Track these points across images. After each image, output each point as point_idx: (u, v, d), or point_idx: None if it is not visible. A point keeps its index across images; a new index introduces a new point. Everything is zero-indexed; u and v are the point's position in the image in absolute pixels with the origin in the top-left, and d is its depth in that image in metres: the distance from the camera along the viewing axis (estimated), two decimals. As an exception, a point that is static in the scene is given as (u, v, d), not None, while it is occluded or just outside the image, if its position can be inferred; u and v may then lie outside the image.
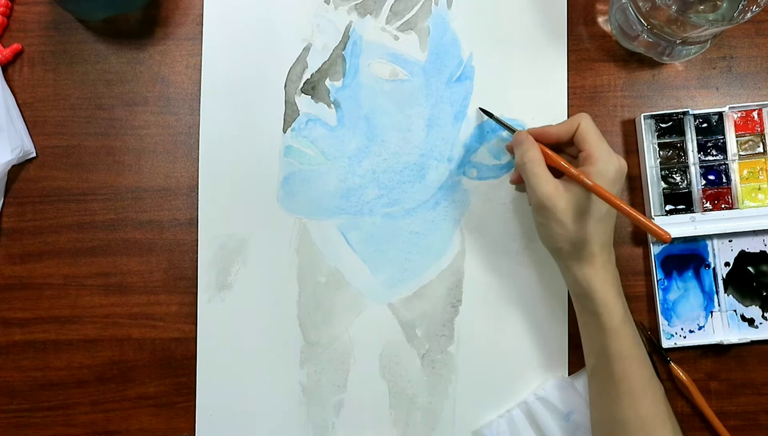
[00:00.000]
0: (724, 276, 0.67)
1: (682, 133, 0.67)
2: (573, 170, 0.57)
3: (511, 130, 0.64)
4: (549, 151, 0.59)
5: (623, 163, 0.58)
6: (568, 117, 0.68)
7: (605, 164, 0.57)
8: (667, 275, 0.67)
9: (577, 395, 0.65)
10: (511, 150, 0.65)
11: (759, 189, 0.66)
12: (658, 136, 0.67)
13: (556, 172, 0.59)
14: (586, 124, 0.59)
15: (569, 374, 0.67)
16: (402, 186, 0.68)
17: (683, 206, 0.66)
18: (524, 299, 0.67)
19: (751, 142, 0.67)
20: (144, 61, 0.69)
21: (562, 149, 0.62)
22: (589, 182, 0.55)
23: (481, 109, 0.67)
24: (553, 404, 0.65)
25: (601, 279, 0.57)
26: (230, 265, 0.67)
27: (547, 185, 0.57)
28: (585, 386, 0.64)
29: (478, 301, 0.67)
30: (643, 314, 0.67)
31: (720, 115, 0.66)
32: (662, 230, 0.53)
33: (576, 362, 0.67)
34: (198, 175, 0.68)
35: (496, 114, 0.66)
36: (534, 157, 0.58)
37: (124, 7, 0.67)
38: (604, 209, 0.57)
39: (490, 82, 0.68)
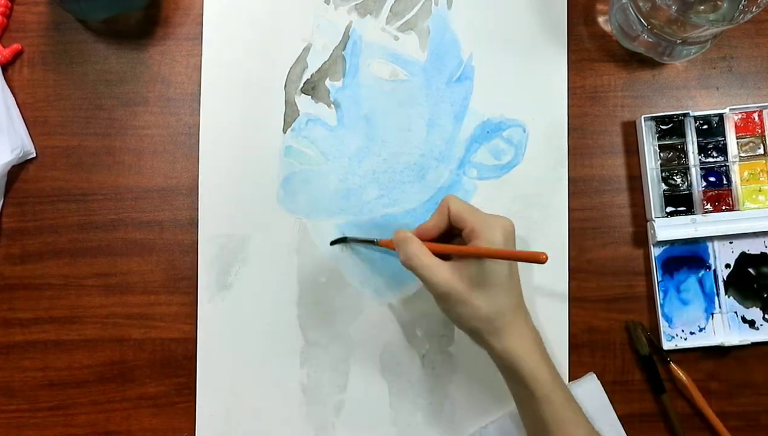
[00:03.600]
0: (725, 278, 0.67)
1: (683, 135, 0.66)
2: (458, 247, 0.56)
3: (371, 242, 0.65)
4: (431, 243, 0.58)
5: (507, 222, 0.56)
6: (568, 117, 0.68)
7: (489, 232, 0.55)
8: (668, 276, 0.67)
9: None
10: (389, 246, 0.62)
11: (759, 191, 0.66)
12: (659, 138, 0.67)
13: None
14: (454, 204, 0.57)
15: (569, 375, 0.66)
16: (402, 186, 0.68)
17: (684, 208, 0.66)
18: (524, 299, 0.67)
19: (751, 144, 0.66)
20: (144, 61, 0.69)
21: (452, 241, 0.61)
22: (478, 248, 0.54)
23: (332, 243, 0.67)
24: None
25: (523, 349, 0.56)
26: (230, 265, 0.67)
27: (440, 271, 0.56)
28: (586, 394, 0.64)
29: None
30: (644, 315, 0.67)
31: (720, 116, 0.66)
32: (535, 253, 0.51)
33: (576, 362, 0.67)
34: (198, 175, 0.68)
35: (496, 115, 0.65)
36: (416, 251, 0.57)
37: (124, 7, 0.67)
38: (504, 273, 0.55)
39: (490, 82, 0.68)
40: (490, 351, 0.57)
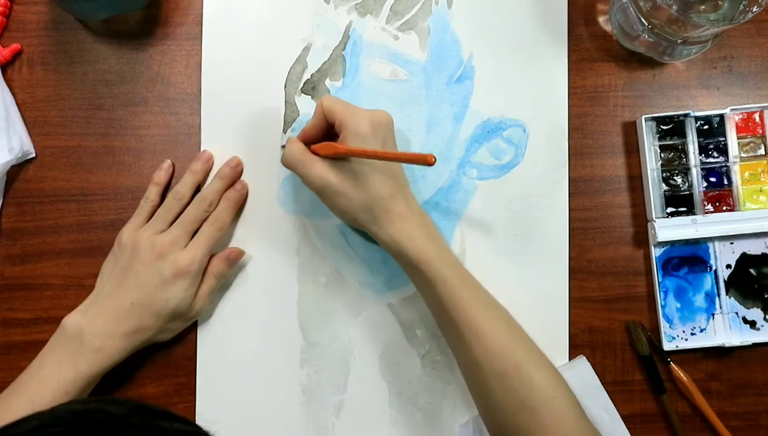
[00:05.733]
0: (726, 278, 0.66)
1: (683, 135, 0.66)
2: (320, 145, 0.59)
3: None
4: (315, 145, 0.60)
5: (379, 113, 0.59)
6: (568, 117, 0.68)
7: (355, 123, 0.57)
8: (669, 277, 0.67)
9: None
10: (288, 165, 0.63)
11: (760, 191, 0.66)
12: (659, 138, 0.67)
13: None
14: (326, 101, 0.59)
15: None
16: (402, 186, 0.68)
17: (684, 208, 0.66)
18: (524, 299, 0.67)
19: (752, 144, 0.66)
20: (144, 61, 0.69)
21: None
22: (354, 148, 0.57)
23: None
24: None
25: (407, 233, 0.58)
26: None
27: (314, 166, 0.59)
28: (577, 378, 0.64)
29: (478, 301, 0.67)
30: (644, 316, 0.67)
31: (721, 117, 0.66)
32: (421, 155, 0.54)
33: (576, 363, 0.67)
34: (198, 176, 0.68)
35: (496, 115, 0.66)
36: (293, 150, 0.60)
37: (124, 7, 0.67)
38: (375, 162, 0.58)
39: (490, 82, 0.68)
40: (379, 240, 0.60)
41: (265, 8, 0.69)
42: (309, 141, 0.61)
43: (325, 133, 0.61)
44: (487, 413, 0.60)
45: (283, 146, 0.64)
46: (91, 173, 0.68)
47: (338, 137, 0.60)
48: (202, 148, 0.68)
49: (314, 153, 0.60)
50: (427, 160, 0.52)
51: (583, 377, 0.65)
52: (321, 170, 0.59)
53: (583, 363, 0.66)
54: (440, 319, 0.60)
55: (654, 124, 0.67)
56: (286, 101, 0.68)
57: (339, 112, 0.59)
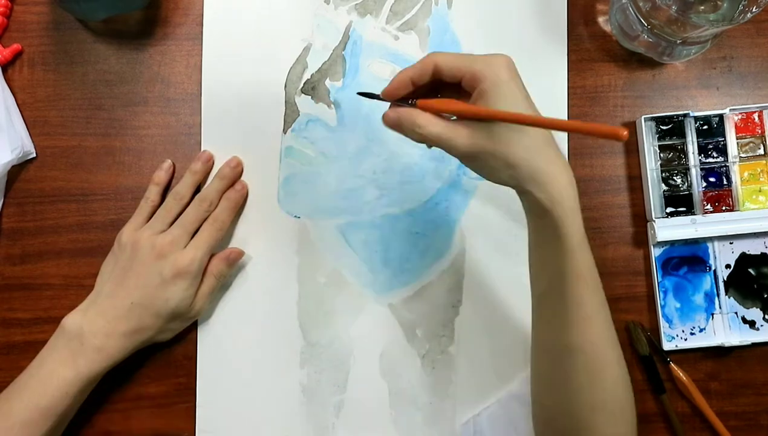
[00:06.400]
0: (725, 278, 0.67)
1: (683, 136, 0.66)
2: (441, 102, 0.51)
3: (374, 96, 0.56)
4: (432, 105, 0.52)
5: (503, 58, 0.51)
6: (568, 117, 0.68)
7: (493, 73, 0.50)
8: (668, 276, 0.67)
9: None
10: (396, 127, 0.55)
11: (760, 191, 0.66)
12: (659, 139, 0.67)
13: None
14: (442, 58, 0.51)
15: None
16: (402, 186, 0.68)
17: (684, 208, 0.66)
18: (524, 299, 0.66)
19: (751, 144, 0.66)
20: (144, 62, 0.69)
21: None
22: (484, 110, 0.49)
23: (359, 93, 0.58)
24: (528, 401, 0.65)
25: (560, 195, 0.51)
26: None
27: (459, 134, 0.51)
28: None
29: (478, 301, 0.67)
30: (644, 316, 0.67)
31: (720, 117, 0.66)
32: (614, 127, 0.44)
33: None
34: (198, 176, 0.68)
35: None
36: (425, 121, 0.51)
37: (124, 7, 0.67)
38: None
39: (490, 82, 0.68)
40: (527, 198, 0.53)
41: (265, 8, 0.69)
42: (401, 94, 0.53)
43: (416, 90, 0.53)
44: (554, 403, 0.56)
45: (378, 97, 0.55)
46: (91, 173, 0.68)
47: (430, 92, 0.54)
48: (202, 149, 0.68)
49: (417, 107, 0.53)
50: (618, 135, 0.43)
51: None
52: (468, 136, 0.50)
53: None
54: (549, 292, 0.55)
55: (653, 124, 0.67)
56: (286, 101, 0.68)
57: (465, 66, 0.51)
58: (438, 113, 0.52)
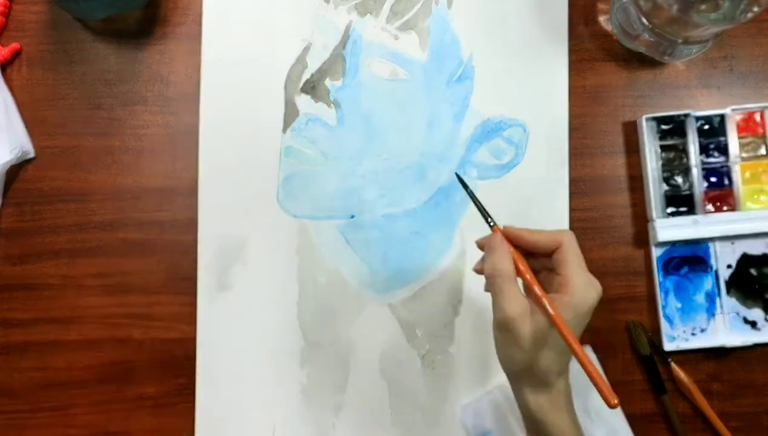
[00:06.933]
0: (727, 278, 0.66)
1: (684, 135, 0.66)
2: (543, 299, 0.51)
3: (485, 215, 0.56)
4: (523, 267, 0.53)
5: (600, 291, 0.52)
6: (568, 117, 0.67)
7: (581, 298, 0.51)
8: (669, 277, 0.66)
9: None
10: (481, 247, 0.57)
11: (761, 191, 0.66)
12: (660, 138, 0.66)
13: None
14: (569, 244, 0.53)
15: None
16: (402, 186, 0.67)
17: (685, 208, 0.66)
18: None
19: (753, 144, 0.66)
20: (143, 61, 0.69)
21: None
22: (557, 319, 0.50)
23: (457, 175, 0.60)
24: None
25: (556, 406, 0.53)
26: (230, 265, 0.67)
27: (515, 307, 0.51)
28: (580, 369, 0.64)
29: (478, 301, 0.67)
30: (644, 316, 0.67)
31: (722, 117, 0.66)
32: (611, 393, 0.49)
33: (576, 363, 0.67)
34: (198, 176, 0.68)
35: (496, 115, 0.65)
36: (505, 272, 0.52)
37: (124, 7, 0.67)
38: (558, 335, 0.51)
39: (490, 82, 0.68)
40: (520, 400, 0.55)
41: (265, 8, 0.69)
42: (516, 245, 0.54)
43: (533, 252, 0.54)
44: None
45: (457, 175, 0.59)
46: (90, 173, 0.68)
47: (528, 256, 0.54)
48: (201, 148, 0.68)
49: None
50: (608, 401, 0.48)
51: None
52: (518, 313, 0.51)
53: (588, 352, 0.66)
54: None
55: (654, 124, 0.67)
56: (285, 101, 0.68)
57: (572, 273, 0.52)
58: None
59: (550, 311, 0.50)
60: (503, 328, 0.52)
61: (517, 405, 0.56)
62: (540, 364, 0.52)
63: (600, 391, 0.49)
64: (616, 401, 0.48)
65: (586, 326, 0.52)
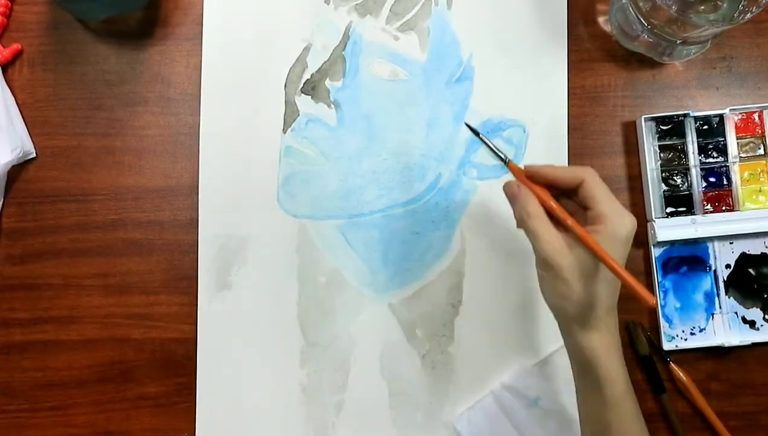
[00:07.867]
0: (725, 278, 0.66)
1: (683, 136, 0.66)
2: (579, 230, 0.51)
3: (500, 157, 0.57)
4: (554, 205, 0.53)
5: (635, 221, 0.52)
6: (568, 118, 0.68)
7: (617, 225, 0.51)
8: (668, 276, 0.67)
9: (543, 380, 0.66)
10: (510, 195, 0.56)
11: (760, 191, 0.66)
12: (659, 138, 0.67)
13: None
14: (592, 180, 0.52)
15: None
16: (402, 186, 0.68)
17: (684, 208, 0.66)
18: (524, 299, 0.67)
19: (751, 144, 0.66)
20: (144, 62, 0.69)
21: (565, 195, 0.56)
22: (597, 248, 0.50)
23: (466, 124, 0.61)
24: (521, 392, 0.65)
25: (606, 347, 0.53)
26: (230, 265, 0.67)
27: (552, 242, 0.51)
28: (552, 372, 0.65)
29: (478, 301, 0.67)
30: (644, 316, 0.67)
31: (721, 117, 0.66)
32: (649, 294, 0.50)
33: (576, 363, 0.67)
34: (198, 176, 0.68)
35: (496, 115, 0.65)
36: (533, 213, 0.52)
37: (124, 7, 0.67)
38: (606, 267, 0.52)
39: (490, 82, 0.68)
40: (570, 341, 0.55)
41: (265, 8, 0.69)
42: (534, 180, 0.54)
43: (552, 188, 0.54)
44: None
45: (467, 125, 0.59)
46: (91, 173, 0.68)
47: (557, 196, 0.54)
48: (201, 148, 0.68)
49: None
50: (648, 300, 0.49)
51: None
52: (557, 248, 0.51)
53: None
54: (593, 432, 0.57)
55: (653, 124, 0.67)
56: (286, 101, 0.68)
57: (603, 204, 0.52)
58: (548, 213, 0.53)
59: (583, 236, 0.50)
60: (546, 266, 0.52)
61: (567, 351, 0.56)
62: (588, 297, 0.52)
63: (638, 294, 0.49)
64: (654, 301, 0.49)
65: (627, 255, 0.52)
